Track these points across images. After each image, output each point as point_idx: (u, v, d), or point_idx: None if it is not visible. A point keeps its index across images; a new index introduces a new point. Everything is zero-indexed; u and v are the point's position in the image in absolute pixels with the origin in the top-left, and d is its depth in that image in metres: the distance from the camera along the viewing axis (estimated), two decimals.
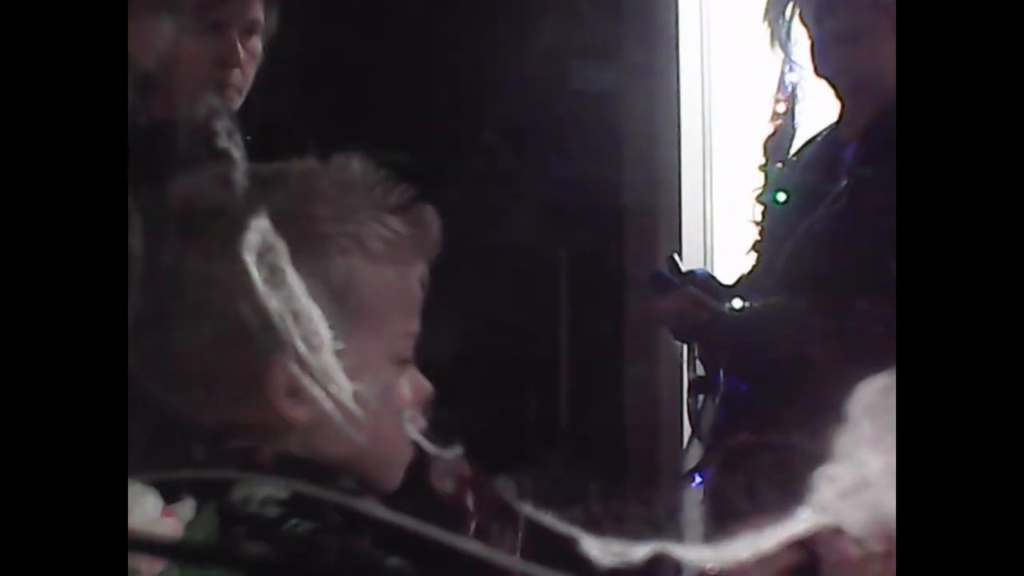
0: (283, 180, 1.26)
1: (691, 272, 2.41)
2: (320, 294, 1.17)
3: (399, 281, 1.28)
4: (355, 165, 1.28)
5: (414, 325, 1.30)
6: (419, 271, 1.31)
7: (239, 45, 2.08)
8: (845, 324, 2.06)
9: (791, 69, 2.37)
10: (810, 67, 2.25)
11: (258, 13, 2.12)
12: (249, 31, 2.12)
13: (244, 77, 2.11)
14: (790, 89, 2.40)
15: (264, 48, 2.12)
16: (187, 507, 1.14)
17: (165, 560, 1.07)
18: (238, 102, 2.10)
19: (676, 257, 2.48)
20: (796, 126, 2.40)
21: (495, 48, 3.19)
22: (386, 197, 1.27)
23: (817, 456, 0.74)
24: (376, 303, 1.25)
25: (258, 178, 1.23)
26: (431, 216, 1.29)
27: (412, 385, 1.29)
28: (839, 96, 2.23)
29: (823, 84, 2.25)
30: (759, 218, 2.35)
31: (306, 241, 1.20)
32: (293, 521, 1.16)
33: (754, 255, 2.35)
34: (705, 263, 3.18)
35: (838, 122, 2.26)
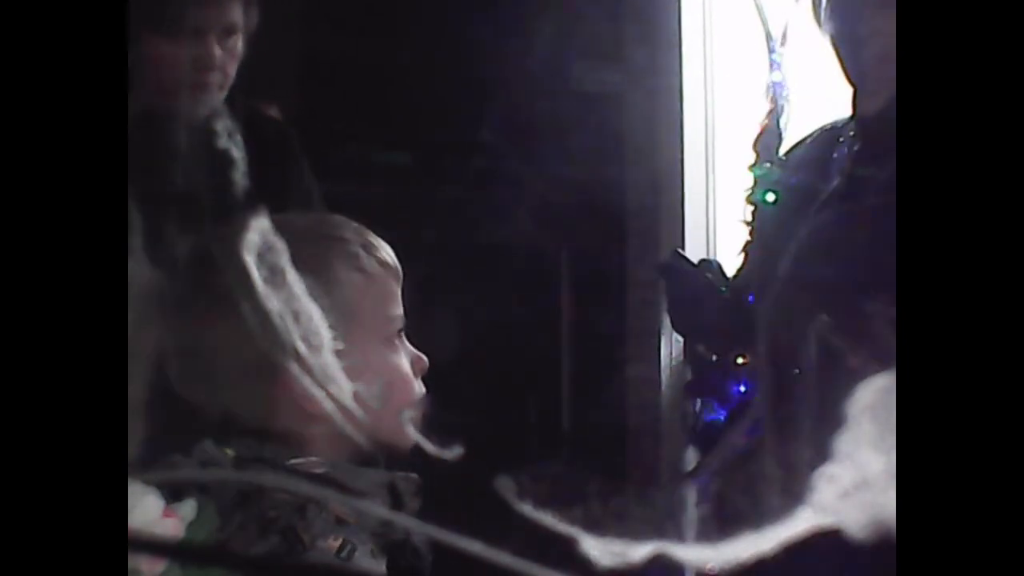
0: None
1: (704, 260, 2.42)
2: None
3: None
4: None
5: (398, 309, 1.41)
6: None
7: (216, 47, 2.17)
8: (847, 325, 2.05)
9: (773, 67, 2.36)
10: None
11: (236, 15, 2.21)
12: (228, 32, 2.21)
13: (225, 76, 2.21)
14: (773, 88, 2.39)
15: (245, 45, 2.21)
16: (188, 507, 1.14)
17: (165, 560, 1.07)
18: (220, 98, 2.20)
19: (681, 252, 2.50)
20: (782, 125, 2.39)
21: (496, 48, 3.18)
22: None
23: (816, 457, 0.74)
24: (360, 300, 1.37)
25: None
26: None
27: (409, 357, 1.40)
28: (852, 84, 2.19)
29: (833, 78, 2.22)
30: (749, 218, 2.35)
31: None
32: None
33: (743, 256, 2.34)
34: None
35: (848, 119, 2.24)
